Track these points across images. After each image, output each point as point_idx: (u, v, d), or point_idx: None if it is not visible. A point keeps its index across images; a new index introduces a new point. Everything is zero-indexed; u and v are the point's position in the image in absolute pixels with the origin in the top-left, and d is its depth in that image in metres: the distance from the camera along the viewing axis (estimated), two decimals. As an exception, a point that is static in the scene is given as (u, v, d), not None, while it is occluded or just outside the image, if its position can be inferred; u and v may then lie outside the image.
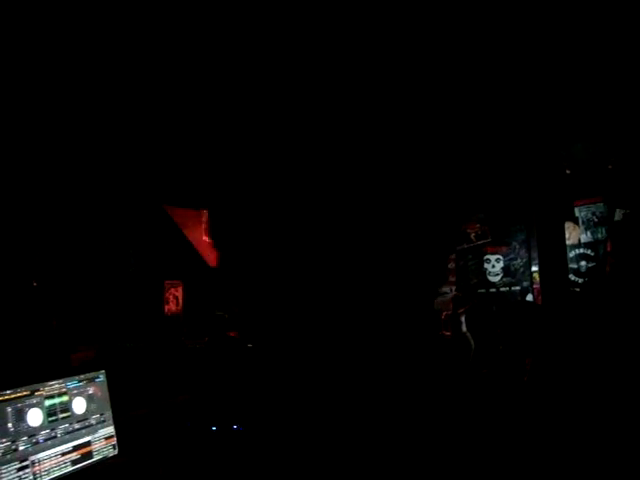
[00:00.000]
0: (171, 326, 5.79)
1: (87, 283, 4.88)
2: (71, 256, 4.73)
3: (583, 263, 5.67)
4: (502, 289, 6.23)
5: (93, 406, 2.11)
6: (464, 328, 5.73)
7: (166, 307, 5.81)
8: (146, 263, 5.56)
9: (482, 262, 6.39)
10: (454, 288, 6.49)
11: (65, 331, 4.29)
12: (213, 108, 3.83)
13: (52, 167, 4.28)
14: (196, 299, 6.11)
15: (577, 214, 5.75)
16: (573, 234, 5.73)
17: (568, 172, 5.56)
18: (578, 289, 5.29)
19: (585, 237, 5.68)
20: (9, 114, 3.37)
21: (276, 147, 4.60)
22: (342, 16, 2.68)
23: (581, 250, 5.70)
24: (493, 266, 6.31)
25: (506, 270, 6.24)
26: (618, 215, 5.44)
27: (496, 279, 6.29)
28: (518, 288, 6.13)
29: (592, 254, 5.62)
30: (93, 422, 2.09)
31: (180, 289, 5.98)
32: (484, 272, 6.36)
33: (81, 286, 4.79)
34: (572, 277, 5.57)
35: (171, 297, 5.89)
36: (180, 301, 5.99)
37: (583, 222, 5.71)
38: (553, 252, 4.66)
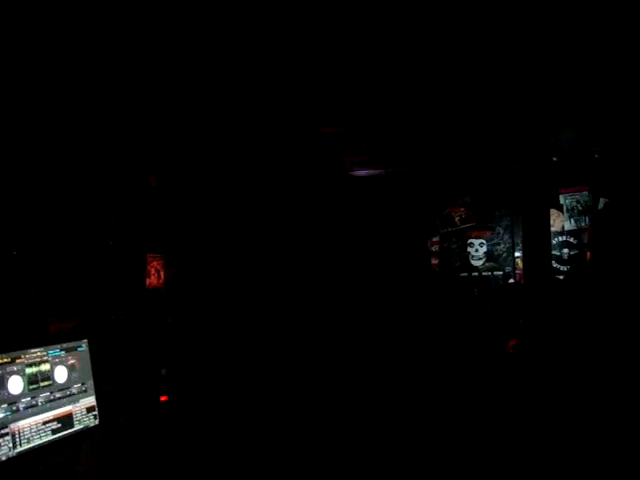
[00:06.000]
0: (152, 300, 5.69)
1: (67, 253, 4.76)
2: (52, 225, 4.60)
3: (565, 250, 5.75)
4: (484, 273, 6.27)
5: (75, 375, 2.06)
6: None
7: (147, 280, 5.70)
8: (128, 235, 5.43)
9: (465, 246, 6.41)
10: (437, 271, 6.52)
11: (44, 300, 4.18)
12: (209, 79, 3.70)
13: (34, 135, 4.12)
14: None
15: (562, 202, 5.81)
16: (557, 221, 5.79)
17: (555, 159, 5.57)
18: (560, 276, 5.36)
19: (569, 225, 5.75)
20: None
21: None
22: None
23: (564, 238, 5.77)
24: (476, 250, 6.33)
25: (489, 255, 6.27)
26: (602, 204, 5.50)
27: (479, 263, 6.32)
28: (500, 273, 6.18)
29: (575, 242, 5.70)
30: (75, 391, 2.04)
31: (162, 263, 5.88)
32: (467, 256, 6.39)
33: (61, 256, 4.66)
34: (554, 264, 5.64)
35: (153, 270, 5.79)
36: (162, 275, 5.89)
37: (567, 210, 5.78)
38: (537, 238, 4.67)
